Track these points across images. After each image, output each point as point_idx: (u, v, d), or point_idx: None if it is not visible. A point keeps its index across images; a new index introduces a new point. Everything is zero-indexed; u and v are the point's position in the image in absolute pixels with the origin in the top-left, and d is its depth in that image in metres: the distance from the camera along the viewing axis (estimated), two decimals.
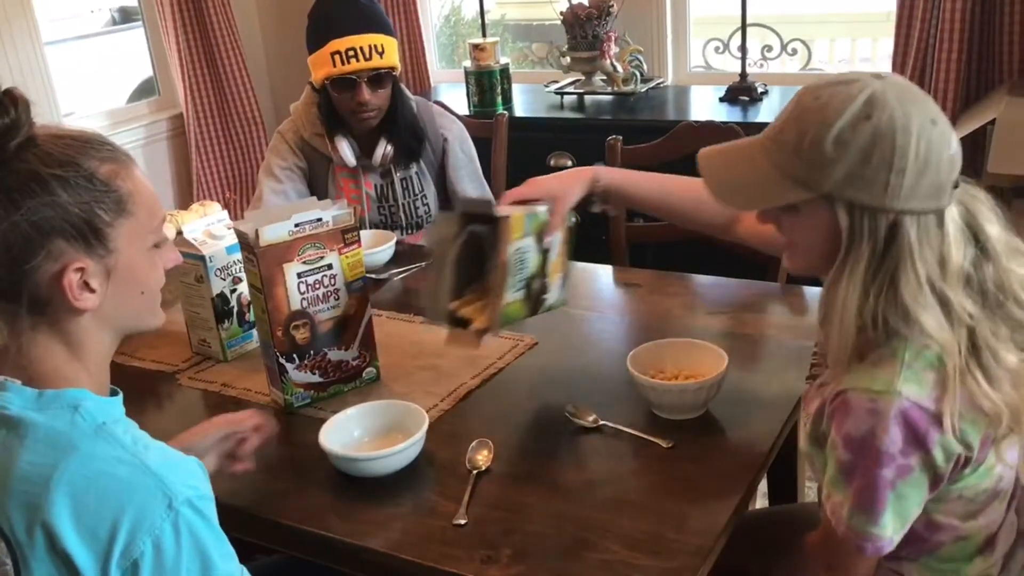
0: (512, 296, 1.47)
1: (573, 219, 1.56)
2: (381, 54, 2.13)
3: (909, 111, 1.08)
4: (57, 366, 1.03)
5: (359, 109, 2.18)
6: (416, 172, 2.32)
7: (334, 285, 1.56)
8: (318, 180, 2.32)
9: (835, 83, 1.12)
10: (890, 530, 1.15)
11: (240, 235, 1.53)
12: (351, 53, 2.10)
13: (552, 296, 1.57)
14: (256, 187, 2.37)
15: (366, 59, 2.11)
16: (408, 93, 2.31)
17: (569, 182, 1.56)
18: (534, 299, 1.52)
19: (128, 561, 0.94)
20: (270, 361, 1.57)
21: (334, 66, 2.11)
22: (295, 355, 1.55)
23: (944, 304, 1.10)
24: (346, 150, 2.25)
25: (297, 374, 1.56)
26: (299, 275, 1.52)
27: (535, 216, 1.47)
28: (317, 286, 1.55)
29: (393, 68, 2.18)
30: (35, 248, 0.98)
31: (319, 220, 1.53)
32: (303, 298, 1.53)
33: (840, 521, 1.16)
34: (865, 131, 1.07)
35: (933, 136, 1.08)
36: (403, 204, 2.32)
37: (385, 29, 2.18)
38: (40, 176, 0.97)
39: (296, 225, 1.50)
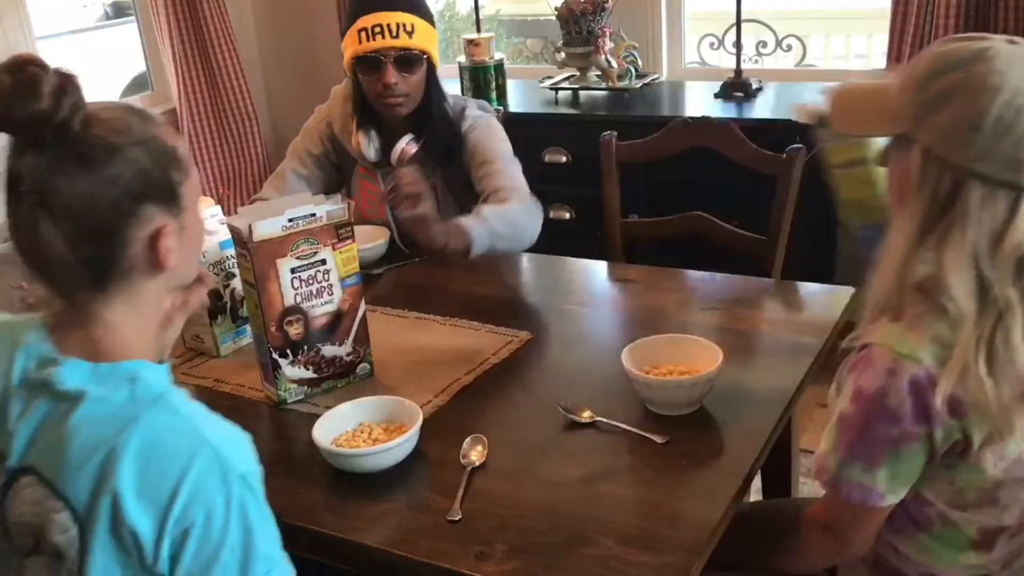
0: None
1: None
2: (410, 33, 2.00)
3: (1010, 74, 1.05)
4: (124, 336, 1.04)
5: (385, 93, 2.04)
6: (432, 185, 2.08)
7: (328, 281, 1.56)
8: (344, 173, 2.26)
9: (972, 37, 1.11)
10: (882, 486, 1.15)
11: (233, 231, 1.53)
12: (377, 30, 1.98)
13: None
14: (280, 164, 2.27)
15: (393, 37, 1.98)
16: (446, 92, 2.16)
17: None
18: None
19: (180, 529, 0.96)
20: (263, 357, 1.56)
21: (359, 43, 2.00)
22: (288, 351, 1.55)
23: (981, 280, 1.09)
24: (368, 145, 2.13)
25: (291, 370, 1.56)
26: (292, 271, 1.52)
27: None
28: (311, 281, 1.54)
29: (424, 52, 2.04)
30: (126, 215, 1.00)
31: (313, 215, 1.52)
32: (296, 293, 1.53)
33: (824, 470, 1.18)
34: (952, 79, 1.07)
35: None
36: None
37: (419, 11, 2.05)
38: (117, 145, 0.99)
39: (290, 220, 1.50)
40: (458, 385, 1.60)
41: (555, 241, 2.67)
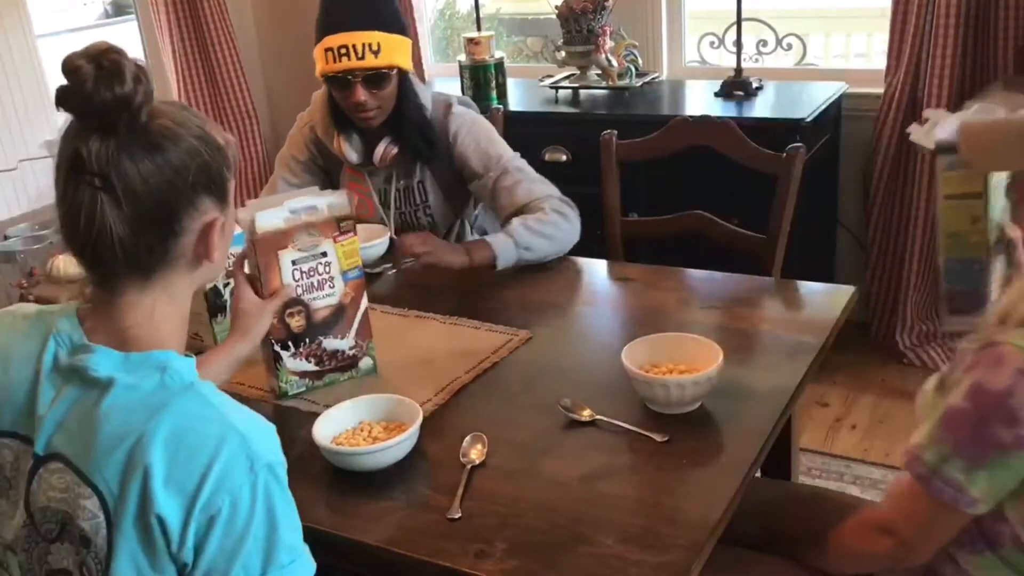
0: None
1: None
2: (376, 53, 2.00)
3: None
4: (156, 326, 1.06)
5: (356, 109, 2.07)
6: (419, 182, 2.21)
7: (329, 273, 1.56)
8: (332, 176, 2.27)
9: None
10: (977, 491, 1.12)
11: (241, 223, 1.53)
12: (343, 51, 1.98)
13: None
14: (271, 176, 2.31)
15: (359, 58, 1.99)
16: (421, 92, 2.16)
17: None
18: None
19: (206, 516, 0.96)
20: (265, 348, 1.56)
21: (327, 63, 2.02)
22: (290, 343, 1.55)
23: None
24: (349, 148, 2.15)
25: (292, 362, 1.56)
26: (294, 262, 1.52)
27: None
28: (312, 273, 1.54)
29: (391, 67, 2.04)
30: (185, 203, 1.03)
31: (314, 207, 1.52)
32: (298, 285, 1.53)
33: (918, 462, 1.14)
34: None
35: None
36: (403, 212, 2.25)
37: (387, 26, 2.03)
38: (179, 135, 1.02)
39: (291, 212, 1.50)
40: (458, 384, 1.60)
41: None
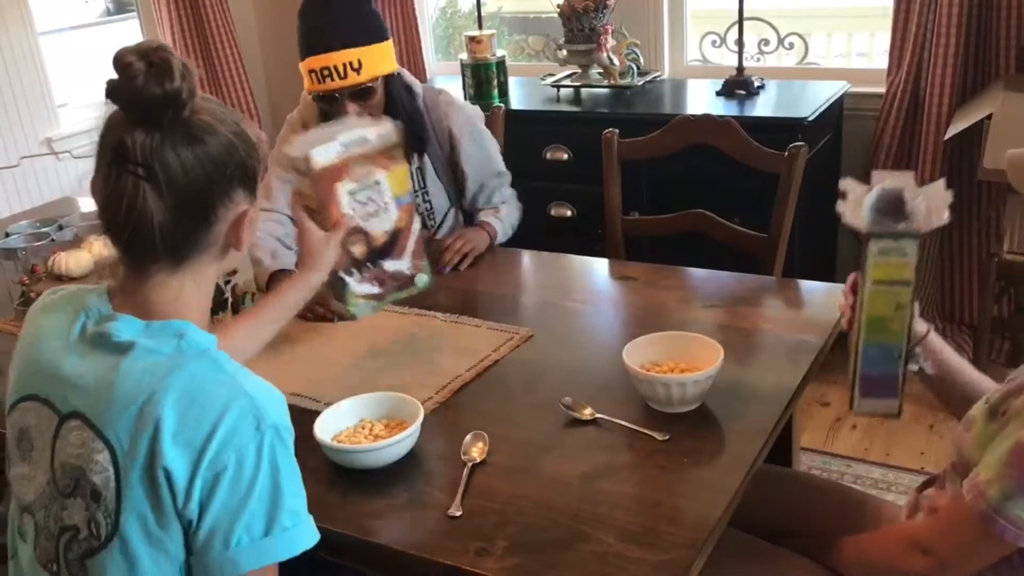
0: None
1: None
2: (358, 70, 2.00)
3: None
4: (180, 307, 1.10)
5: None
6: (417, 167, 2.25)
7: (383, 200, 1.61)
8: None
9: None
10: None
11: (291, 160, 1.59)
12: (325, 72, 2.00)
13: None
14: (265, 177, 2.33)
15: (341, 78, 2.00)
16: (411, 83, 2.20)
17: None
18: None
19: (212, 472, 1.00)
20: (331, 277, 1.61)
21: (312, 83, 2.04)
22: (354, 269, 1.61)
23: None
24: None
25: (357, 287, 1.62)
26: (351, 193, 1.57)
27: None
28: (368, 202, 1.60)
29: (375, 79, 2.05)
30: (221, 194, 1.09)
31: (364, 139, 1.58)
32: (356, 215, 1.59)
33: (982, 497, 1.13)
34: None
35: None
36: None
37: (366, 38, 2.02)
38: (218, 130, 1.07)
39: (343, 145, 1.55)
40: (459, 382, 1.60)
41: (556, 238, 2.67)
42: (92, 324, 1.10)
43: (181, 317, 1.10)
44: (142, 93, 1.02)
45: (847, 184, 1.33)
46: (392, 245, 1.64)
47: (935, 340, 1.41)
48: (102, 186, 1.07)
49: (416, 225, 1.67)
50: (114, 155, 1.04)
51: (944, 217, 1.26)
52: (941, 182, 1.30)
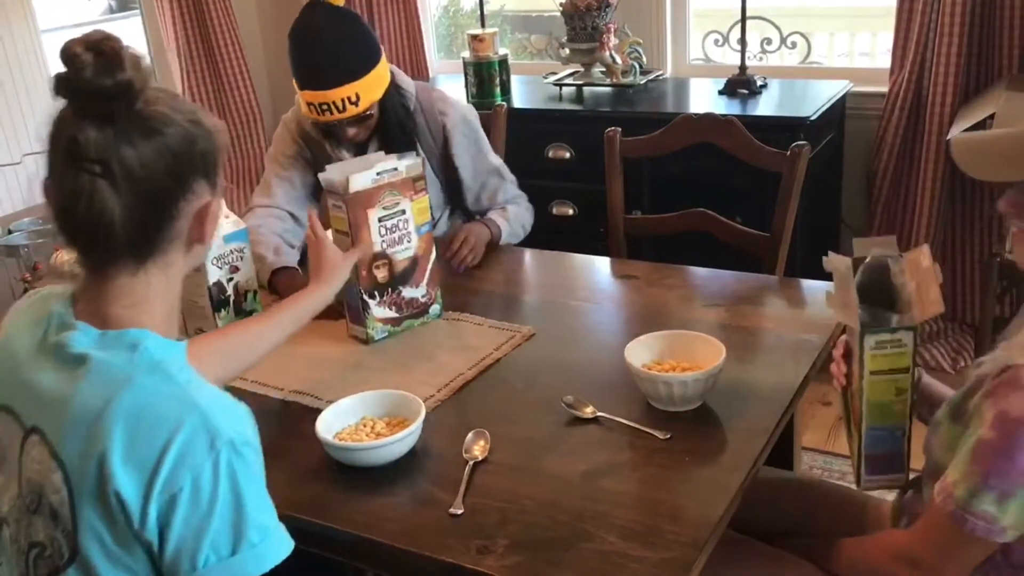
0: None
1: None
2: (356, 103, 1.99)
3: None
4: (142, 310, 1.06)
5: (346, 139, 2.11)
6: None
7: (407, 228, 1.73)
8: (320, 169, 2.28)
9: None
10: (1008, 519, 1.11)
11: (328, 182, 1.69)
12: (324, 107, 2.00)
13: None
14: (263, 176, 2.31)
15: (339, 111, 1.99)
16: (401, 82, 2.18)
17: None
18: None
19: (167, 495, 0.95)
20: (353, 299, 1.73)
21: (311, 113, 2.04)
22: (376, 292, 1.70)
23: None
24: (342, 151, 2.16)
25: (378, 310, 1.72)
26: (380, 219, 1.69)
27: None
28: (394, 229, 1.71)
29: (373, 105, 2.04)
30: (182, 187, 1.05)
31: (395, 169, 1.70)
32: (383, 240, 1.71)
33: (950, 499, 1.13)
34: None
35: None
36: None
37: (361, 69, 2.00)
38: (175, 120, 1.03)
39: (378, 174, 1.67)
40: (461, 380, 1.60)
41: (558, 237, 2.67)
42: (53, 333, 1.06)
43: (141, 324, 1.05)
44: (91, 85, 0.97)
45: (831, 262, 1.33)
46: (411, 272, 1.75)
47: (928, 384, 1.43)
48: (57, 188, 1.02)
49: (433, 254, 1.77)
50: (67, 154, 0.99)
51: (940, 306, 1.26)
52: (925, 249, 1.30)
